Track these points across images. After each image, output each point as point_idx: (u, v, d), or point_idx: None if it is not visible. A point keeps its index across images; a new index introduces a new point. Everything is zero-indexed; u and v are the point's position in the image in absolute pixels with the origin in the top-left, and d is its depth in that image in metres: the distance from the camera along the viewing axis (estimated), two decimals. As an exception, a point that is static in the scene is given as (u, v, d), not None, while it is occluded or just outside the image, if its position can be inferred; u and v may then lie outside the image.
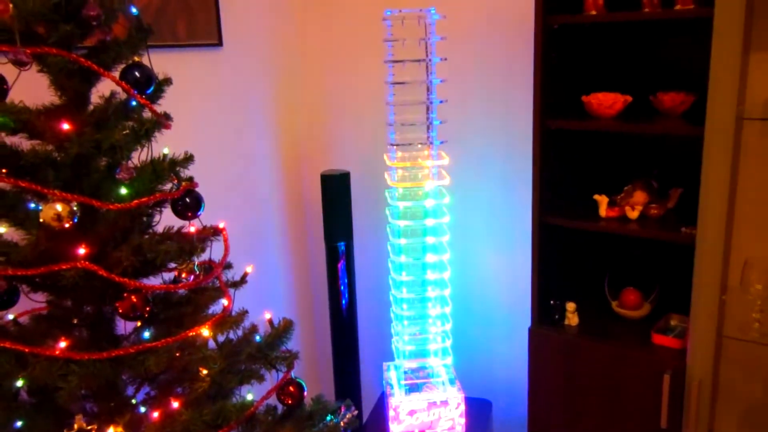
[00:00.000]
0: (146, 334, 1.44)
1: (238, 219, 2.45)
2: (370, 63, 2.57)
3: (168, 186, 1.47)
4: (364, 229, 2.73)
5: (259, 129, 2.53)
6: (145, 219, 1.52)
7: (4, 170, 1.31)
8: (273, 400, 1.66)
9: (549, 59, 1.90)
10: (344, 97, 2.68)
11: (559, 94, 1.98)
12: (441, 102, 2.10)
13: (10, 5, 1.25)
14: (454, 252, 2.37)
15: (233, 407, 1.49)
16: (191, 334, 1.44)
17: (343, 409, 1.80)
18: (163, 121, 1.45)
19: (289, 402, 1.66)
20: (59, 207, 1.29)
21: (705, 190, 1.62)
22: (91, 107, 1.41)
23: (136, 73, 1.38)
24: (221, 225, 1.59)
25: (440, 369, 2.28)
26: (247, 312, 1.59)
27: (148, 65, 1.41)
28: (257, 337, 1.63)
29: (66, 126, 1.31)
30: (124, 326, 1.51)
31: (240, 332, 1.60)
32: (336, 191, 2.34)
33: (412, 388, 2.22)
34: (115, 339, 1.50)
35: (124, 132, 1.39)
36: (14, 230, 1.38)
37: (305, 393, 1.69)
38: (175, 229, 1.54)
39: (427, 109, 2.09)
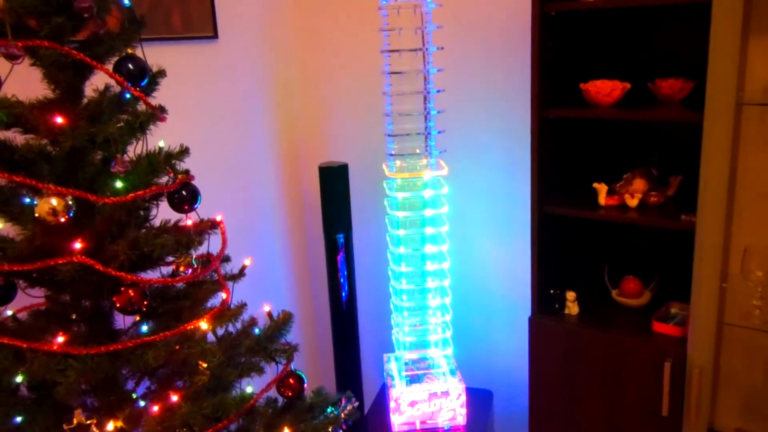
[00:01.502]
0: (144, 328, 1.44)
1: (236, 212, 2.44)
2: (366, 53, 2.56)
3: (164, 179, 1.47)
4: (363, 221, 2.72)
5: (256, 121, 2.52)
6: (141, 212, 1.51)
7: (-2, 165, 1.31)
8: (273, 393, 1.66)
9: (546, 47, 1.89)
10: (341, 88, 2.67)
11: (557, 82, 1.97)
12: (438, 91, 2.08)
13: (1, -2, 1.24)
14: (453, 242, 2.37)
15: (233, 400, 1.49)
16: (190, 327, 1.44)
17: (343, 401, 1.80)
18: (157, 113, 1.44)
19: (290, 394, 1.66)
20: (54, 201, 1.28)
21: (705, 176, 1.61)
22: (85, 100, 1.40)
23: (130, 66, 1.37)
24: (218, 218, 1.58)
25: (441, 360, 2.28)
26: (245, 305, 1.59)
27: (142, 57, 1.40)
28: (256, 330, 1.63)
29: (60, 120, 1.30)
30: (122, 321, 1.51)
31: (239, 325, 1.60)
32: (334, 183, 2.34)
33: (413, 379, 2.22)
34: (114, 333, 1.49)
35: (119, 125, 1.38)
36: (10, 225, 1.37)
37: (305, 385, 1.69)
38: (172, 222, 1.53)
39: (425, 98, 2.08)
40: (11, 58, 1.25)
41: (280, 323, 1.67)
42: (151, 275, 1.47)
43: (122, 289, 1.36)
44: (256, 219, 2.56)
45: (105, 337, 1.44)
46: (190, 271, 1.48)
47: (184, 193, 1.47)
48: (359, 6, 2.53)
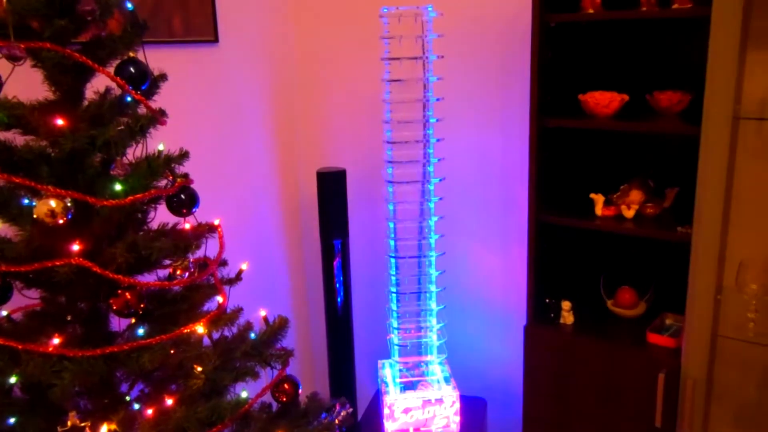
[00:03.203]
0: (140, 331, 1.43)
1: (234, 216, 2.44)
2: (366, 60, 2.57)
3: (163, 182, 1.47)
4: (359, 227, 2.73)
5: (255, 126, 2.52)
6: (139, 215, 1.51)
7: (-3, 166, 1.30)
8: (268, 398, 1.66)
9: (546, 57, 1.90)
10: (340, 94, 2.68)
11: (556, 92, 1.98)
12: (437, 99, 2.09)
13: (4, 0, 1.24)
14: (450, 250, 2.37)
15: (228, 405, 1.49)
16: (186, 331, 1.44)
17: (338, 407, 1.79)
18: (158, 117, 1.44)
19: (284, 399, 1.66)
20: (53, 203, 1.28)
21: (701, 189, 1.62)
22: (86, 103, 1.40)
23: (131, 69, 1.38)
24: (216, 222, 1.59)
25: (435, 367, 2.28)
26: (242, 309, 1.59)
27: (143, 61, 1.41)
28: (252, 335, 1.63)
29: (60, 121, 1.31)
30: (118, 323, 1.50)
31: (235, 329, 1.59)
32: (332, 189, 2.34)
33: (407, 386, 2.22)
34: (110, 336, 1.49)
35: (119, 128, 1.38)
36: (8, 226, 1.37)
37: (300, 390, 1.68)
38: (170, 225, 1.53)
39: (424, 106, 2.09)
40: (13, 59, 1.25)
41: (276, 328, 1.67)
42: (148, 278, 1.47)
43: (119, 291, 1.36)
44: (253, 223, 2.56)
45: (101, 339, 1.44)
46: (187, 274, 1.49)
47: (182, 196, 1.47)
48: (360, 13, 2.54)
